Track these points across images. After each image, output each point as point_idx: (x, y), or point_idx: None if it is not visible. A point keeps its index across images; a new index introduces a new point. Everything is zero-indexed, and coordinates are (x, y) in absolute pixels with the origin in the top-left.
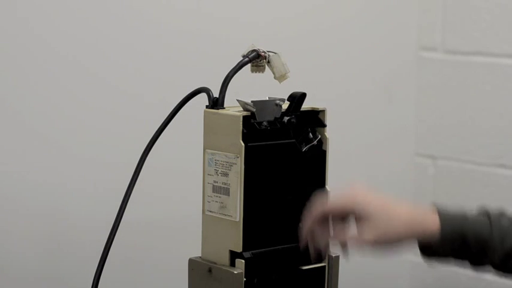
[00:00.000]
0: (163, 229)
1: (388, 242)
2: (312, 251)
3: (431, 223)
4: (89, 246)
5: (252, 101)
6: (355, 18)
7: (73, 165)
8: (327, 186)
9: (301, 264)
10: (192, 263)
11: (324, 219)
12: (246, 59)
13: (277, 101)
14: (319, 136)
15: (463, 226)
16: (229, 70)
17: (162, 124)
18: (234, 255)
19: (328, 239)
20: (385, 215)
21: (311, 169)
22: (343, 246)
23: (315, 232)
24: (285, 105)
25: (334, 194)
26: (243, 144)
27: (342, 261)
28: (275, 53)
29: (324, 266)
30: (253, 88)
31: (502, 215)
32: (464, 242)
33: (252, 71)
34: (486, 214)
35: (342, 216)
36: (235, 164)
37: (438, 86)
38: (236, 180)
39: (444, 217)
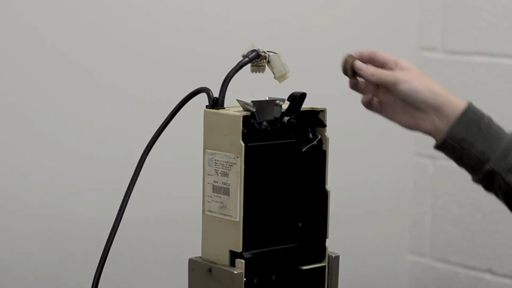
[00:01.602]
0: (163, 229)
1: (416, 85)
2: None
3: (459, 100)
4: (89, 246)
5: (252, 101)
6: (355, 18)
7: (73, 165)
8: (327, 186)
9: (301, 264)
10: (192, 263)
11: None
12: (246, 59)
13: (277, 101)
14: (319, 136)
15: (485, 117)
16: (229, 70)
17: (162, 124)
18: (234, 255)
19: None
20: (422, 74)
21: (311, 169)
22: (367, 72)
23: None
24: (285, 105)
25: None
26: (243, 144)
27: (342, 261)
28: (275, 53)
29: (324, 266)
30: (253, 88)
31: None
32: (480, 129)
33: (252, 71)
34: None
35: (382, 65)
36: (235, 164)
37: None
38: (236, 180)
39: (472, 103)
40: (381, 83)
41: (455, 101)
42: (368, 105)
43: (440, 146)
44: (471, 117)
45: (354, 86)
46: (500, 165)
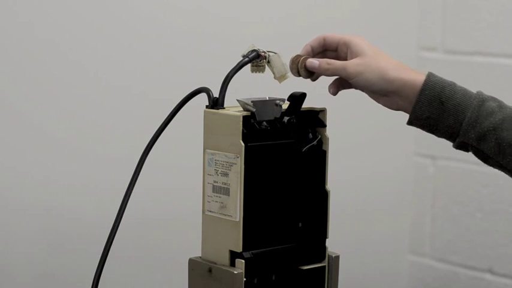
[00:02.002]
0: (163, 229)
1: (368, 76)
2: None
3: (417, 76)
4: (89, 245)
5: (252, 101)
6: (355, 18)
7: (73, 165)
8: (327, 186)
9: (301, 264)
10: (192, 263)
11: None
12: (246, 59)
13: (277, 101)
14: (319, 136)
15: (446, 88)
16: (229, 70)
17: (162, 124)
18: (234, 255)
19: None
20: (376, 54)
21: (311, 169)
22: (322, 67)
23: (308, 47)
24: (285, 105)
25: None
26: (243, 144)
27: (342, 261)
28: (275, 53)
29: (324, 266)
30: (253, 88)
31: (493, 99)
32: (442, 104)
33: (252, 71)
34: (478, 93)
35: (336, 48)
36: (235, 164)
37: None
38: (236, 180)
39: (431, 75)
40: (336, 75)
41: (413, 80)
42: (336, 92)
43: (410, 124)
44: (431, 94)
45: (336, 91)
46: (469, 137)
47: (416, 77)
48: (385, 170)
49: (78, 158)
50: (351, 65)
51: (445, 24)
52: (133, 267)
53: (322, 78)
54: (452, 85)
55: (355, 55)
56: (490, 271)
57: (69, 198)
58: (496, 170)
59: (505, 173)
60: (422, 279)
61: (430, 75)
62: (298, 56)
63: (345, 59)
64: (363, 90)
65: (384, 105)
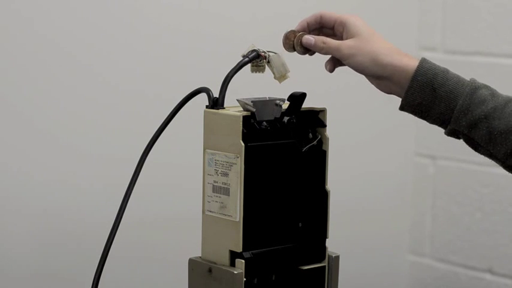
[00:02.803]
0: (163, 229)
1: (361, 59)
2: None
3: (410, 62)
4: (89, 245)
5: (252, 101)
6: None
7: (73, 165)
8: (327, 186)
9: (301, 264)
10: (192, 263)
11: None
12: (246, 59)
13: (277, 101)
14: (319, 136)
15: (439, 75)
16: (229, 70)
17: (162, 124)
18: (234, 255)
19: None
20: (371, 36)
21: (311, 169)
22: (317, 46)
23: (304, 23)
24: (285, 105)
25: None
26: (243, 144)
27: (342, 261)
28: (275, 53)
29: (324, 266)
30: (253, 88)
31: (486, 87)
32: (434, 91)
33: (252, 71)
34: (471, 81)
35: (332, 27)
36: (235, 164)
37: None
38: (236, 180)
39: (424, 61)
40: (330, 55)
41: (405, 65)
42: (332, 69)
43: (402, 109)
44: (423, 80)
45: (332, 68)
46: (460, 124)
47: (409, 62)
48: (385, 170)
49: (79, 158)
50: (344, 46)
51: (445, 24)
52: (133, 267)
53: (321, 78)
54: (445, 72)
55: (350, 36)
56: (490, 271)
57: (69, 198)
58: (496, 170)
59: (495, 161)
60: (422, 279)
61: (423, 61)
62: (292, 32)
63: (341, 38)
64: (356, 71)
65: (378, 88)
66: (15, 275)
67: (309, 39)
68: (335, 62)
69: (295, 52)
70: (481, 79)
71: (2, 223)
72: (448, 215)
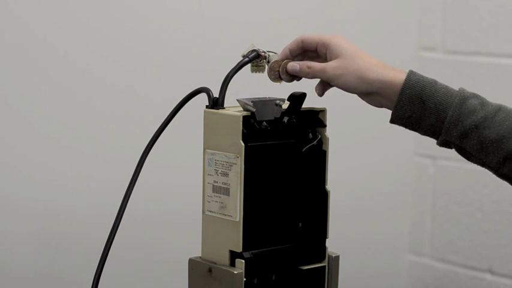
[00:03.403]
0: (163, 229)
1: (347, 79)
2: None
3: (397, 75)
4: (89, 245)
5: (252, 101)
6: (355, 18)
7: (73, 165)
8: (327, 186)
9: (301, 264)
10: (192, 263)
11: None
12: (246, 59)
13: (277, 101)
14: (319, 136)
15: (427, 87)
16: (229, 70)
17: (162, 124)
18: (234, 255)
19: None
20: (355, 54)
21: (311, 169)
22: (303, 71)
23: (286, 51)
24: (285, 105)
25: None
26: (243, 144)
27: (342, 261)
28: (275, 53)
29: (324, 266)
30: (253, 88)
31: (475, 96)
32: (423, 103)
33: (252, 71)
34: (460, 91)
35: (315, 49)
36: (235, 164)
37: None
38: (236, 180)
39: (412, 73)
40: (317, 78)
41: (393, 80)
42: (322, 93)
43: (392, 123)
44: (411, 93)
45: (322, 92)
46: (451, 135)
47: (396, 75)
48: (385, 170)
49: (78, 158)
50: (329, 68)
51: (445, 24)
52: (133, 267)
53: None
54: (433, 83)
55: (334, 56)
56: (490, 271)
57: (69, 198)
58: None
59: (488, 170)
60: (422, 279)
61: (410, 74)
62: (276, 62)
63: (325, 60)
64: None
65: (369, 103)
66: (15, 275)
67: (294, 65)
68: (325, 85)
69: (283, 82)
70: (481, 79)
71: (2, 223)
72: (448, 215)
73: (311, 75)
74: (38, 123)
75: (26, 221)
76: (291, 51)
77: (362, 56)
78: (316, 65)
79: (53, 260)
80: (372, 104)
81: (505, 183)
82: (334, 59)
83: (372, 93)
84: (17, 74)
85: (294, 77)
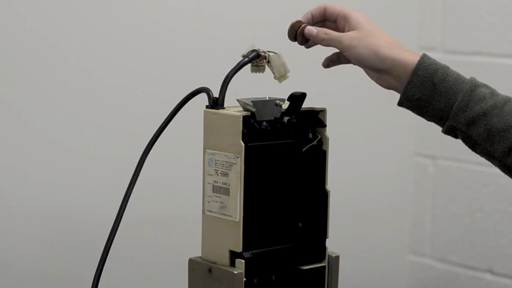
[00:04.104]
0: (163, 229)
1: (361, 51)
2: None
3: (411, 57)
4: (89, 245)
5: (252, 101)
6: None
7: (73, 165)
8: (327, 186)
9: (301, 264)
10: (192, 263)
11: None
12: (246, 59)
13: (277, 101)
14: (319, 136)
15: (439, 71)
16: (229, 70)
17: (162, 124)
18: (234, 255)
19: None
20: (373, 30)
21: (311, 169)
22: (319, 37)
23: (308, 15)
24: (285, 105)
25: None
26: (243, 144)
27: (342, 261)
28: (275, 53)
29: (324, 266)
30: (253, 88)
31: (486, 86)
32: (434, 86)
33: (252, 71)
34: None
35: (335, 20)
36: (235, 164)
37: None
38: (236, 180)
39: (426, 56)
40: (331, 46)
41: (406, 60)
42: (328, 65)
43: (400, 105)
44: (423, 75)
45: (328, 64)
46: (458, 121)
47: (410, 57)
48: (385, 170)
49: (78, 158)
50: (346, 37)
51: (445, 24)
52: (133, 267)
53: (321, 78)
54: (446, 68)
55: (352, 29)
56: (490, 271)
57: (69, 198)
58: (495, 170)
59: (491, 161)
60: (422, 279)
61: (424, 57)
62: (298, 22)
63: (343, 32)
64: (356, 64)
65: (377, 82)
66: (15, 275)
67: (311, 29)
68: (334, 59)
69: (296, 42)
70: (481, 79)
71: (2, 223)
72: (448, 215)
73: (326, 42)
74: (38, 123)
75: (26, 221)
76: (313, 15)
77: (380, 33)
78: (333, 33)
79: (53, 260)
80: (380, 84)
81: (505, 183)
82: (352, 30)
83: (383, 70)
84: (17, 73)
85: (307, 41)
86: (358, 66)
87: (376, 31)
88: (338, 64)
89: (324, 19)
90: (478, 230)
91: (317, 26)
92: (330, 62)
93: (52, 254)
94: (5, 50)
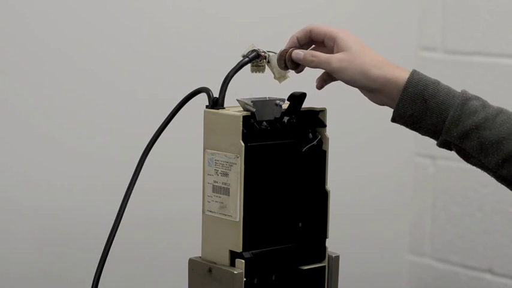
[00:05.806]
0: (163, 229)
1: (351, 73)
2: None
3: (401, 74)
4: (89, 245)
5: (252, 101)
6: (355, 18)
7: (73, 165)
8: (327, 186)
9: (301, 264)
10: (192, 263)
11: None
12: (246, 59)
13: (277, 101)
14: (319, 136)
15: (430, 86)
16: (229, 70)
17: (162, 124)
18: (234, 255)
19: (295, 48)
20: (361, 50)
21: (311, 169)
22: (306, 59)
23: (294, 39)
24: (285, 105)
25: None
26: (243, 144)
27: (342, 261)
28: (275, 53)
29: (324, 266)
30: (253, 88)
31: (477, 98)
32: (425, 102)
33: (252, 71)
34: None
35: (322, 41)
36: (235, 164)
37: None
38: (236, 180)
39: (415, 72)
40: (320, 68)
41: (396, 78)
42: (321, 86)
43: (394, 121)
44: (414, 91)
45: (322, 85)
46: (451, 135)
47: (400, 74)
48: (385, 170)
49: (78, 158)
50: (334, 59)
51: (445, 24)
52: (133, 267)
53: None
54: (436, 83)
55: (340, 50)
56: (490, 271)
57: (69, 198)
58: None
59: (487, 172)
60: (422, 279)
61: (413, 73)
62: (284, 50)
63: (332, 52)
64: (348, 84)
65: (370, 100)
66: (15, 275)
67: (298, 53)
68: (325, 79)
69: (289, 73)
70: (481, 79)
71: (2, 223)
72: (448, 215)
73: (314, 65)
74: (38, 123)
75: (26, 221)
76: (298, 39)
77: (368, 53)
78: (321, 55)
79: (53, 260)
80: (373, 101)
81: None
82: (341, 51)
83: (374, 89)
84: (17, 73)
85: (297, 65)
86: (350, 86)
87: (365, 50)
88: (331, 82)
89: (311, 41)
90: (478, 230)
91: (304, 49)
92: (323, 82)
93: (52, 254)
94: (5, 50)
